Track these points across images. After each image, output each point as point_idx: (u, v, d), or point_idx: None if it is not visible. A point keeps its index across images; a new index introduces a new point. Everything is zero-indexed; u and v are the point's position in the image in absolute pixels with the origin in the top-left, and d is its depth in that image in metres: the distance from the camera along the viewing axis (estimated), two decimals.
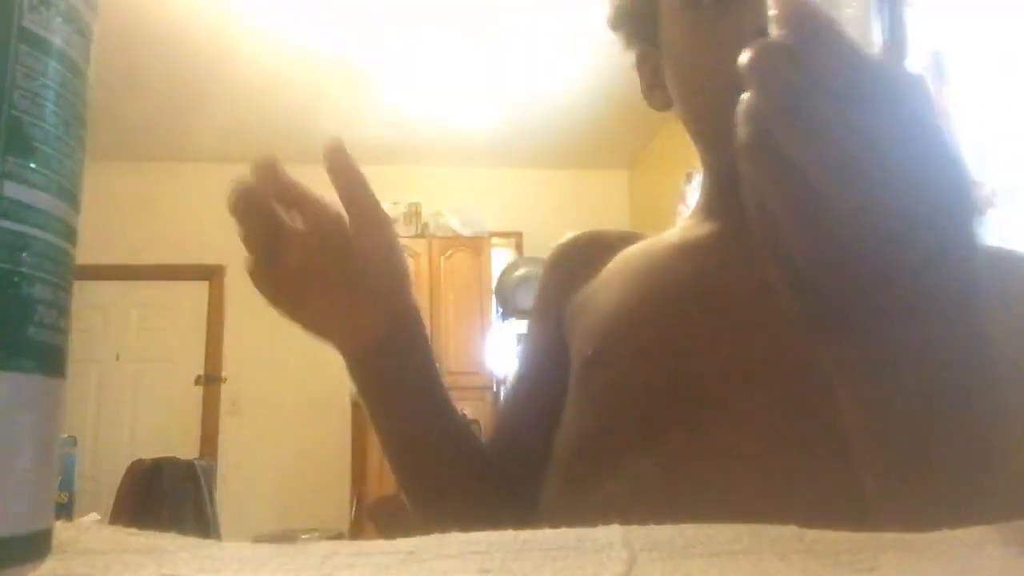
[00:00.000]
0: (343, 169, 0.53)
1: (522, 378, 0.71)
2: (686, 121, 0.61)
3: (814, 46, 0.31)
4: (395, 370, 0.58)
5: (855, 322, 0.35)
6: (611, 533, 0.28)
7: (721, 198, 0.61)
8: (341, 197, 0.54)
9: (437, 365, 0.61)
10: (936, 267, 0.33)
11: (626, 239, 0.69)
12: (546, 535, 0.28)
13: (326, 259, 0.54)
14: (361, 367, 0.58)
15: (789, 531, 0.27)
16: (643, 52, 0.65)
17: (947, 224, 0.33)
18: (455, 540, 0.28)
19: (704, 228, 0.63)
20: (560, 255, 0.72)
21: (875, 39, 0.35)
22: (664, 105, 0.64)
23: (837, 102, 0.31)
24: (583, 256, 0.69)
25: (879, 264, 0.33)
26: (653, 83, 0.65)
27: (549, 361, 0.66)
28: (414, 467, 0.62)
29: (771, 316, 0.41)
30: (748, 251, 0.43)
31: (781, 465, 0.48)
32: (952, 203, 0.33)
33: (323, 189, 0.54)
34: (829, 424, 0.39)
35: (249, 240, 0.52)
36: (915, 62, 2.77)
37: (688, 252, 0.61)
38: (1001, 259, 0.54)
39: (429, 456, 0.62)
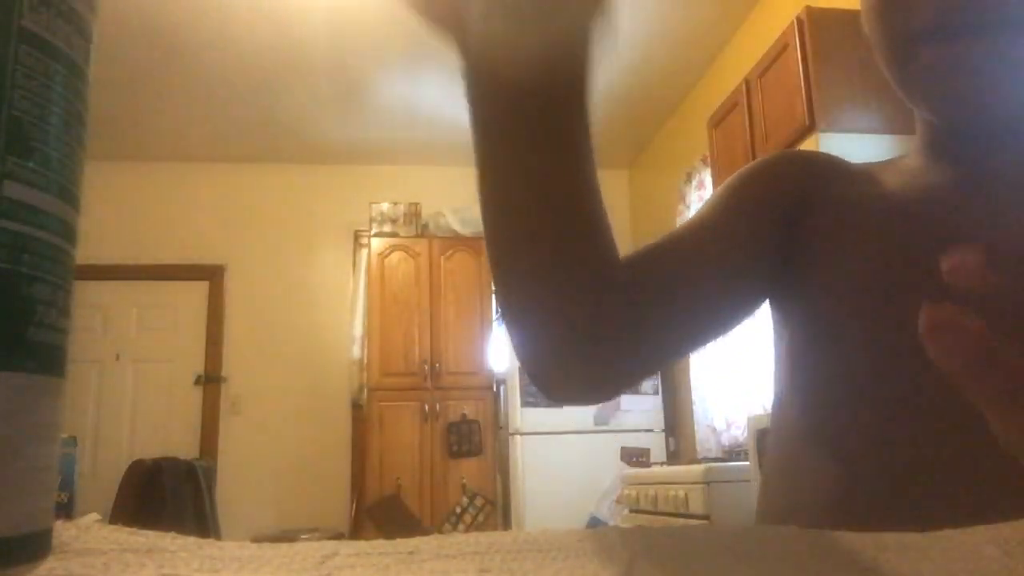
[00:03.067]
0: None
1: (695, 227, 0.67)
2: (882, 67, 0.63)
3: None
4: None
5: None
6: (611, 533, 0.28)
7: (943, 143, 0.64)
8: None
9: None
10: None
11: (831, 165, 0.70)
12: (546, 535, 0.28)
13: None
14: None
15: (789, 531, 0.27)
16: None
17: None
18: (455, 540, 0.28)
19: (935, 176, 0.64)
20: (783, 163, 0.72)
21: None
22: None
23: None
24: (809, 171, 0.69)
25: None
26: None
27: (724, 230, 0.64)
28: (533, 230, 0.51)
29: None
30: (987, 204, 0.58)
31: None
32: None
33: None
34: None
35: None
36: None
37: (933, 204, 0.62)
38: None
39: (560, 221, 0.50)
